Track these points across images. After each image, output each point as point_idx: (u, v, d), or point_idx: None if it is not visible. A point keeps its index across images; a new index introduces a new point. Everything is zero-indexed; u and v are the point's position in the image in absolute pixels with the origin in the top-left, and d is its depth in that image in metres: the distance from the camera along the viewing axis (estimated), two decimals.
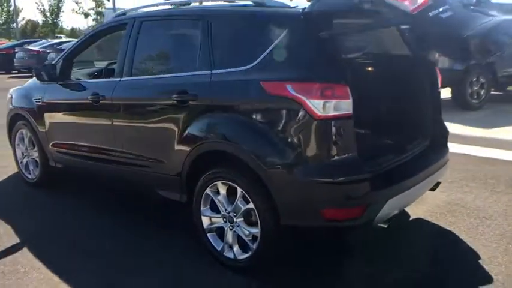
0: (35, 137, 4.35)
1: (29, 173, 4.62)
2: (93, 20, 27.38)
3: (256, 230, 2.74)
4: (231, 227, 2.88)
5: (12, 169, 5.15)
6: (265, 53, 2.66)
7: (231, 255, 2.90)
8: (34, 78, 4.86)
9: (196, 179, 3.00)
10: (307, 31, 2.57)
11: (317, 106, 2.43)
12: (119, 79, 3.46)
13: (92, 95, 3.58)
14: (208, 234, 3.01)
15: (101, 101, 3.52)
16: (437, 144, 3.23)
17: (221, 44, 2.90)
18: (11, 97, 4.72)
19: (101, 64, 4.90)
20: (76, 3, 29.05)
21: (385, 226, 2.68)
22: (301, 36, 2.58)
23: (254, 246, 2.76)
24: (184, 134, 2.97)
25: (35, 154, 4.47)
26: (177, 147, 3.03)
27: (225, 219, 2.90)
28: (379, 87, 2.72)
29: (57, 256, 3.17)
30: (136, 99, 3.36)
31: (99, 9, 26.76)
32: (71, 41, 20.12)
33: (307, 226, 2.64)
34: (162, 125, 3.14)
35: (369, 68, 2.74)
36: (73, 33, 48.38)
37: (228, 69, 2.81)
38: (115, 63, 4.28)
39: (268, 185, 2.59)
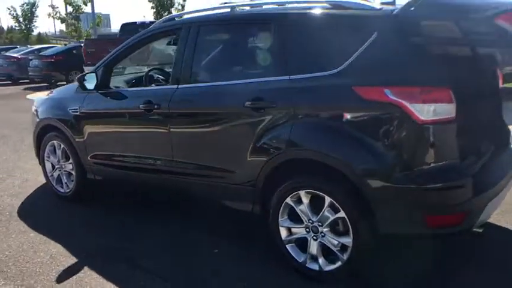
0: (71, 148, 4.14)
1: (61, 187, 4.41)
2: (70, 25, 26.65)
3: (347, 240, 2.65)
4: (314, 237, 2.78)
5: (34, 182, 4.93)
6: (353, 57, 2.58)
7: (315, 267, 2.81)
8: (65, 87, 4.67)
9: (272, 189, 2.90)
10: (403, 34, 2.49)
11: (419, 110, 2.37)
12: (175, 86, 3.31)
13: (144, 103, 3.42)
14: (287, 246, 2.91)
15: (155, 110, 3.37)
16: (505, 144, 3.21)
17: (298, 48, 2.80)
18: (37, 110, 4.50)
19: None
20: (52, 7, 28.27)
21: (480, 231, 2.63)
22: (396, 39, 2.50)
23: (344, 256, 2.68)
24: (261, 143, 2.86)
25: (69, 166, 4.27)
26: (251, 156, 2.92)
27: (307, 230, 2.80)
28: (467, 90, 2.67)
29: (123, 274, 3.01)
30: (199, 107, 3.21)
31: (76, 13, 26.05)
32: (53, 46, 19.57)
33: (408, 234, 2.56)
34: (232, 134, 3.02)
35: (458, 70, 2.68)
36: (40, 38, 47.09)
37: (310, 75, 2.71)
38: (155, 69, 4.17)
39: (365, 193, 2.51)
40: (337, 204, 2.64)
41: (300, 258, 2.86)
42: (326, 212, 2.70)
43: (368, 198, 2.51)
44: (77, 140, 4.03)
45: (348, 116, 2.57)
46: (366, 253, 2.64)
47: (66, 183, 4.35)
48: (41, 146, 4.48)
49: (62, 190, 4.40)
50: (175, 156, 3.36)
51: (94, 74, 3.79)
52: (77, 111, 3.98)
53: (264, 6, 3.14)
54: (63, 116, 4.13)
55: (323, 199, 2.70)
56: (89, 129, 3.93)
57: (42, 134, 4.43)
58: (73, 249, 3.39)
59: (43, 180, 4.93)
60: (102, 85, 3.82)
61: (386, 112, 2.45)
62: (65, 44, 21.06)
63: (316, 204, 2.76)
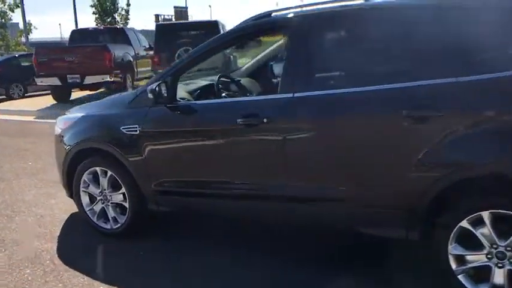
0: (124, 176, 3.41)
1: (106, 222, 3.64)
2: None
3: None
4: (500, 265, 2.37)
5: (53, 218, 4.09)
6: None
7: None
8: (105, 100, 3.91)
9: (437, 211, 2.46)
10: None
11: None
12: (290, 95, 2.76)
13: (246, 117, 2.84)
14: (459, 277, 2.48)
15: (263, 125, 2.79)
16: None
17: (476, 43, 2.37)
18: (63, 133, 3.71)
19: None
20: None
21: None
22: None
23: None
24: (427, 158, 2.41)
25: (119, 197, 3.53)
26: (412, 174, 2.45)
27: (489, 256, 2.39)
28: None
29: None
30: (333, 118, 2.68)
31: (3, 21, 23.72)
32: None
33: None
34: (383, 148, 2.53)
35: None
36: None
37: (492, 75, 2.30)
38: (224, 77, 3.58)
39: None
40: None
41: None
42: None
43: None
44: (134, 164, 3.32)
45: None
46: None
47: (114, 217, 3.59)
48: (74, 176, 3.67)
49: (108, 226, 3.63)
50: (292, 178, 2.81)
51: (164, 84, 3.11)
52: (135, 130, 3.27)
53: None
54: (113, 137, 3.40)
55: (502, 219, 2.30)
56: (154, 151, 3.24)
57: (76, 161, 3.64)
58: None
59: (63, 215, 4.17)
60: (171, 97, 3.16)
61: None
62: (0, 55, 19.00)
63: (499, 226, 2.36)
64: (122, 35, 13.31)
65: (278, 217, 2.97)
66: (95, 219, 3.68)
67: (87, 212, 3.70)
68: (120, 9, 22.20)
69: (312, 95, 2.71)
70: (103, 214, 3.65)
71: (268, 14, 3.03)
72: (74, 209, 4.26)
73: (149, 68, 13.92)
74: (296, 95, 2.74)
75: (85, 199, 3.70)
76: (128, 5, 22.36)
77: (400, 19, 2.55)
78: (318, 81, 2.77)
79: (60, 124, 3.86)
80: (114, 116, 3.44)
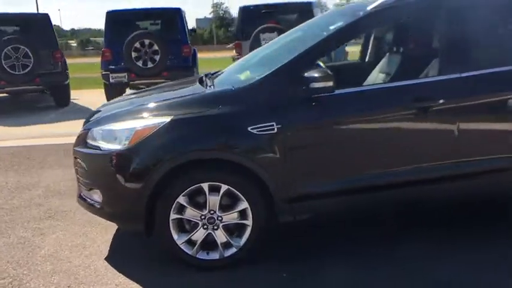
0: (249, 187, 2.80)
1: (208, 253, 2.88)
2: None
3: None
4: None
5: (93, 271, 2.96)
6: None
7: None
8: (192, 99, 3.09)
9: None
10: None
11: None
12: (457, 75, 2.85)
13: (416, 101, 2.82)
14: None
15: (434, 107, 2.82)
16: None
17: None
18: (135, 148, 2.78)
19: None
20: None
21: None
22: None
23: None
24: None
25: (230, 217, 2.85)
26: None
27: None
28: None
29: None
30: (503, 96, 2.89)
31: None
32: None
33: None
34: None
35: None
36: None
37: None
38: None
39: None
40: None
41: None
42: None
43: None
44: (271, 169, 2.78)
45: None
46: None
47: (225, 242, 2.86)
48: (159, 202, 2.78)
49: (215, 256, 2.87)
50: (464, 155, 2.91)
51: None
52: (271, 129, 2.73)
53: None
54: (237, 141, 2.79)
55: None
56: (302, 150, 2.82)
57: (166, 182, 2.77)
58: None
59: (98, 263, 3.05)
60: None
61: None
62: None
63: None
64: None
65: (461, 194, 3.00)
66: (193, 253, 2.85)
67: (182, 247, 2.84)
68: None
69: (484, 73, 2.87)
70: (206, 243, 2.87)
71: None
72: (84, 253, 3.21)
73: None
74: (465, 75, 2.86)
75: (175, 233, 2.83)
76: None
77: None
78: (488, 58, 2.91)
79: (115, 137, 2.85)
80: (230, 114, 2.78)
